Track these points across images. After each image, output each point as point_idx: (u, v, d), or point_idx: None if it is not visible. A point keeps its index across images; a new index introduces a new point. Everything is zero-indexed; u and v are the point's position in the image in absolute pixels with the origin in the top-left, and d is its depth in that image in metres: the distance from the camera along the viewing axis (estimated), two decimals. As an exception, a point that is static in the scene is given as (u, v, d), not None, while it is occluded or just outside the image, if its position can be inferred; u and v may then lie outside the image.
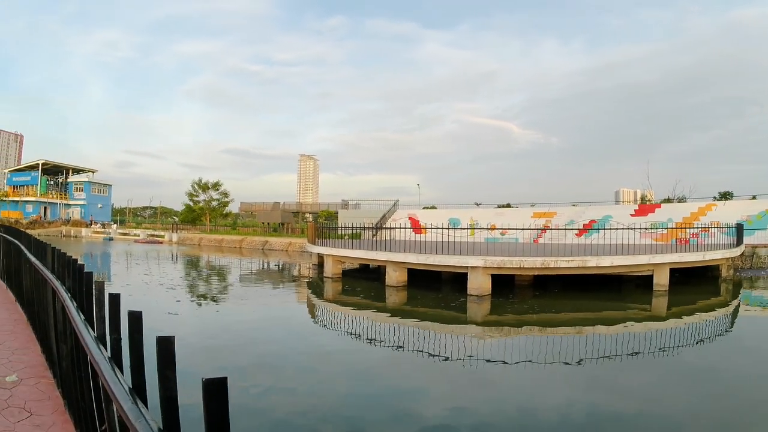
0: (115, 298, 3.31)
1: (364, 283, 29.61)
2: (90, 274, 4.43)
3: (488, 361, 13.83)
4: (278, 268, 43.02)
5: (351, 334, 17.61)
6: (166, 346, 2.40)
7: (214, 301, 24.21)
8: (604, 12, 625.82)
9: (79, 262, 5.30)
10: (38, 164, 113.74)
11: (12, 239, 13.54)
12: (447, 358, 13.91)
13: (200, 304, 22.89)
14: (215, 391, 1.95)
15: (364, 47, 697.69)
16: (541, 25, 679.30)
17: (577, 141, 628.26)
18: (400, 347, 15.35)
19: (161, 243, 74.01)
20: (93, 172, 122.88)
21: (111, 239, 79.42)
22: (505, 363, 13.56)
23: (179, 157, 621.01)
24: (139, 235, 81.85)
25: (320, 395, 10.79)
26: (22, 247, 10.93)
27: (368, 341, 16.25)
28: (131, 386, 2.75)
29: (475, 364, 13.42)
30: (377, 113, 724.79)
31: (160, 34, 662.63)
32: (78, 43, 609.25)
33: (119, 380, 2.73)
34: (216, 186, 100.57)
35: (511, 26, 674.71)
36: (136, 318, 2.85)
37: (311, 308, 23.50)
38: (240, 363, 12.92)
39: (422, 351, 14.87)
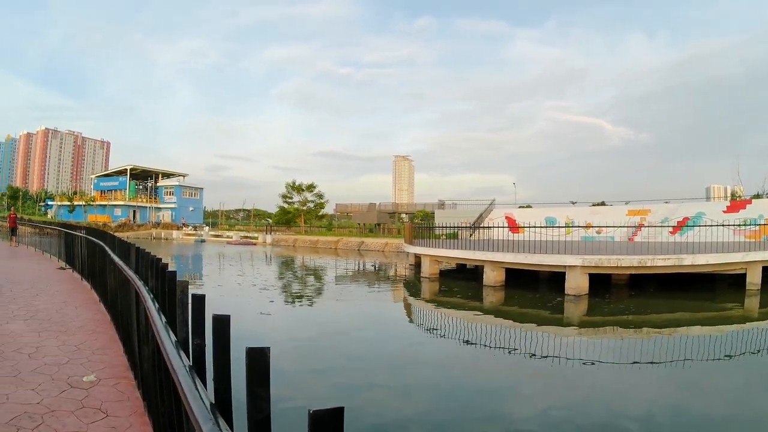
0: (199, 300, 2.94)
1: (461, 283, 29.32)
2: (173, 273, 4.08)
3: (583, 362, 13.62)
4: (374, 268, 43.07)
5: (446, 334, 17.46)
6: (259, 358, 1.96)
7: (309, 301, 24.14)
8: (685, 3, 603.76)
9: (162, 262, 5.02)
10: (126, 169, 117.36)
11: (96, 240, 13.62)
12: (542, 359, 13.77)
13: (294, 304, 22.79)
14: (328, 423, 1.45)
15: (453, 47, 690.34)
16: (625, 19, 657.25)
17: (667, 137, 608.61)
18: (496, 347, 15.34)
19: (255, 245, 74.36)
20: (184, 176, 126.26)
21: (203, 241, 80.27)
22: (600, 363, 13.49)
23: (271, 160, 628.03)
24: (232, 237, 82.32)
25: (413, 396, 10.69)
26: (106, 248, 10.87)
27: (464, 341, 16.14)
28: (213, 402, 2.32)
29: (570, 365, 13.22)
30: (469, 113, 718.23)
31: (248, 41, 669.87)
32: (163, 51, 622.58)
33: (200, 394, 2.26)
34: (311, 188, 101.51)
35: (596, 21, 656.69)
36: (222, 322, 2.40)
37: (407, 308, 23.33)
38: (333, 363, 12.82)
39: (518, 351, 14.82)
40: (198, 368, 2.80)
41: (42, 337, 9.46)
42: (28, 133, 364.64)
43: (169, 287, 4.07)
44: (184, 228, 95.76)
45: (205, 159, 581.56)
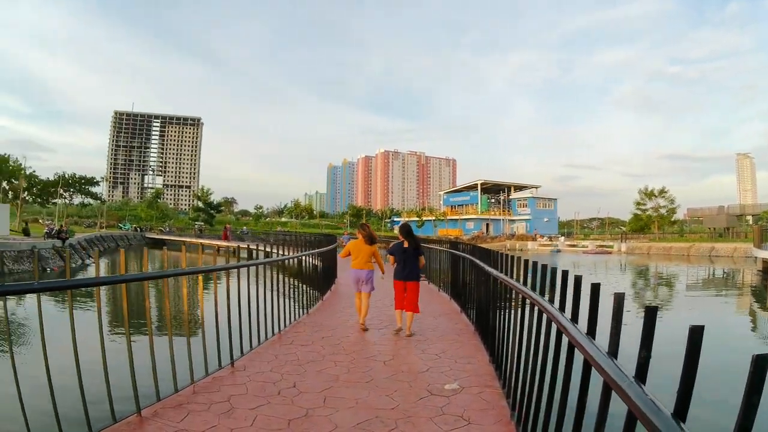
0: (651, 312, 2.63)
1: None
2: (597, 285, 3.62)
3: None
4: (723, 275, 41.57)
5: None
6: (763, 366, 1.65)
7: (660, 311, 22.85)
8: None
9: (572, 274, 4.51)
10: (476, 184, 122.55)
11: (461, 254, 14.18)
12: None
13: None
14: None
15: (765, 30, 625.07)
16: None
17: None
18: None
19: (610, 253, 73.35)
20: (536, 188, 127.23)
21: (558, 251, 79.78)
22: None
23: (619, 166, 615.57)
24: (587, 246, 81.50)
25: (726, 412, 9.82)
26: (476, 260, 10.91)
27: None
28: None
29: None
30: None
31: (574, 49, 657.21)
32: (493, 68, 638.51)
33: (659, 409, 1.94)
34: (662, 193, 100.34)
35: None
36: (697, 333, 2.14)
37: (752, 318, 22.36)
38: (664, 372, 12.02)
39: None
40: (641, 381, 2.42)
41: (398, 346, 9.67)
42: (366, 156, 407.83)
43: (592, 299, 3.68)
44: (538, 239, 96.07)
45: (554, 169, 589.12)
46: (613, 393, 2.51)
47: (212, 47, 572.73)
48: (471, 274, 12.04)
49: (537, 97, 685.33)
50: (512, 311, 6.68)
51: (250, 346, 8.74)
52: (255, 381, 7.16)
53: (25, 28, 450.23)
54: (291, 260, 12.69)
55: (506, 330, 6.91)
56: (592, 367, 3.03)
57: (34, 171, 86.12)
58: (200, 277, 8.03)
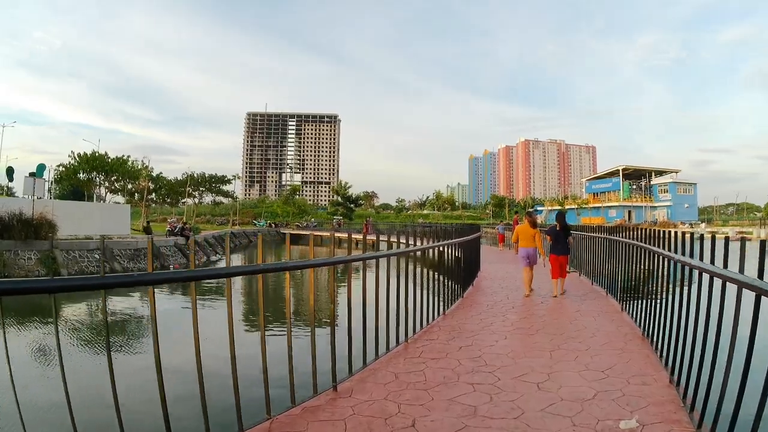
0: None
1: None
2: None
3: None
4: None
5: None
6: None
7: None
8: None
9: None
10: (618, 170, 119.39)
11: (622, 239, 12.65)
12: None
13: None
14: None
15: None
16: None
17: None
18: None
19: (750, 240, 69.40)
20: (676, 173, 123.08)
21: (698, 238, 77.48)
22: None
23: (752, 150, 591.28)
24: (727, 233, 78.26)
25: None
26: (653, 248, 9.09)
27: None
28: None
29: None
30: None
31: (697, 29, 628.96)
32: (621, 52, 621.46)
33: None
34: None
35: None
36: None
37: None
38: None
39: None
40: None
41: (553, 359, 7.66)
42: (507, 146, 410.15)
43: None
44: (680, 225, 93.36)
45: (689, 154, 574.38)
46: None
47: (342, 46, 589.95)
48: (636, 263, 10.38)
49: (667, 81, 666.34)
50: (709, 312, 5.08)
51: (363, 362, 7.07)
52: (360, 415, 5.41)
53: (149, 41, 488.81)
54: (426, 253, 10.97)
55: (702, 339, 5.13)
56: None
57: (161, 173, 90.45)
58: (287, 275, 6.06)
